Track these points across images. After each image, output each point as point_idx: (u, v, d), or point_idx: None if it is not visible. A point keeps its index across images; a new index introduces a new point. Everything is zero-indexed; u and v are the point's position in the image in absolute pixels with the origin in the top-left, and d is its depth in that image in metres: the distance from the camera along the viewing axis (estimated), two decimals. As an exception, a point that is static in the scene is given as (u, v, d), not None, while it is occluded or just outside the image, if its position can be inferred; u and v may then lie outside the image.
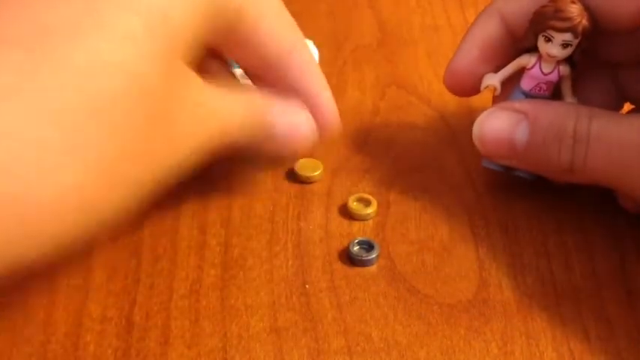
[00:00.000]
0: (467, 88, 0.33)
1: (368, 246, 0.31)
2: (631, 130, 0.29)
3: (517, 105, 0.31)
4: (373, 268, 0.31)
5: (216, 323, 0.28)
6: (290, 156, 0.33)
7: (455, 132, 0.37)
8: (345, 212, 0.33)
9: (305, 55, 0.32)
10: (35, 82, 0.22)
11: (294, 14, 0.44)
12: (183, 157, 0.27)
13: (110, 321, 0.28)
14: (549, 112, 0.30)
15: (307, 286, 0.30)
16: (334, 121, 0.33)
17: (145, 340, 0.27)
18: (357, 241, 0.31)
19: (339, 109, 0.39)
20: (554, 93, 0.32)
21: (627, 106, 0.35)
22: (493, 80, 0.32)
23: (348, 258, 0.31)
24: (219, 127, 0.28)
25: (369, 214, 0.32)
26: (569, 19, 0.30)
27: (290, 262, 0.31)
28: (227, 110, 0.29)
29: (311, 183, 0.34)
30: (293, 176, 0.35)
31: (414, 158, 0.36)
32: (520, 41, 0.32)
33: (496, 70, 0.32)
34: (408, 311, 0.29)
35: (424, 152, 0.36)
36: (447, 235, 0.32)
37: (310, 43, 0.40)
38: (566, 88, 0.32)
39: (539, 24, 0.30)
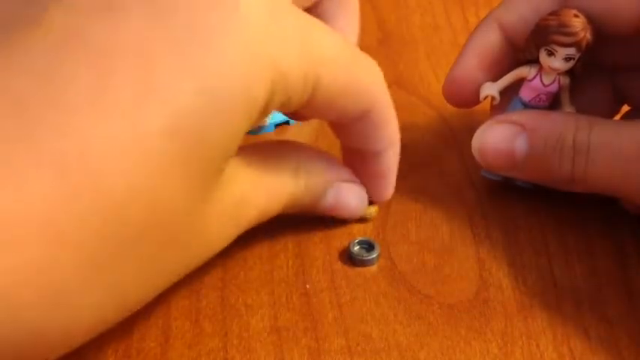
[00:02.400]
0: (466, 97, 0.33)
1: (368, 246, 0.31)
2: (631, 140, 0.29)
3: (515, 117, 0.31)
4: (373, 268, 0.31)
5: (216, 323, 0.28)
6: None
7: (455, 132, 0.37)
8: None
9: (391, 159, 0.31)
10: (59, 208, 0.20)
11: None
12: (214, 249, 0.26)
13: (110, 321, 0.28)
14: (548, 124, 0.30)
15: (307, 286, 0.30)
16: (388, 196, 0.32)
17: (145, 340, 0.27)
18: (357, 241, 0.31)
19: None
20: (553, 101, 0.32)
21: (625, 107, 0.35)
22: (492, 90, 0.32)
23: (349, 258, 0.31)
24: (257, 215, 0.28)
25: (370, 213, 0.32)
26: (573, 34, 0.29)
27: (290, 262, 0.31)
28: (267, 191, 0.28)
29: None
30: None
31: (414, 158, 0.36)
32: (521, 52, 0.32)
33: (495, 78, 0.32)
34: (408, 311, 0.29)
35: (424, 152, 0.36)
36: (447, 235, 0.32)
37: None
38: (565, 98, 0.32)
39: (542, 38, 0.30)
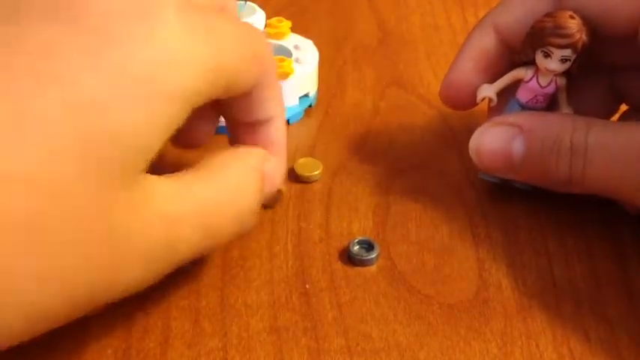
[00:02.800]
0: (463, 100, 0.33)
1: (368, 245, 0.31)
2: (629, 141, 0.29)
3: (512, 119, 0.31)
4: (373, 267, 0.31)
5: (216, 323, 0.28)
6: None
7: (455, 132, 0.37)
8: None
9: (279, 127, 0.31)
10: None
11: (295, 14, 0.44)
12: (137, 274, 0.24)
13: (110, 321, 0.28)
14: (545, 125, 0.30)
15: (307, 286, 0.30)
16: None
17: (144, 340, 0.27)
18: (357, 240, 0.31)
19: (339, 109, 0.39)
20: (550, 102, 0.32)
21: (623, 107, 0.35)
22: (489, 92, 0.32)
23: (348, 258, 0.31)
24: (204, 227, 0.26)
25: (277, 198, 0.32)
26: (569, 35, 0.30)
27: (290, 262, 0.31)
28: (213, 204, 0.26)
29: (311, 183, 0.34)
30: (293, 176, 0.35)
31: (414, 158, 0.36)
32: (517, 54, 0.32)
33: (492, 80, 0.32)
34: (408, 311, 0.29)
35: (424, 152, 0.36)
36: (447, 235, 0.32)
37: (310, 43, 0.40)
38: (562, 98, 0.32)
39: (538, 40, 0.30)
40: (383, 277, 0.30)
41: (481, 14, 0.36)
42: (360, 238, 0.31)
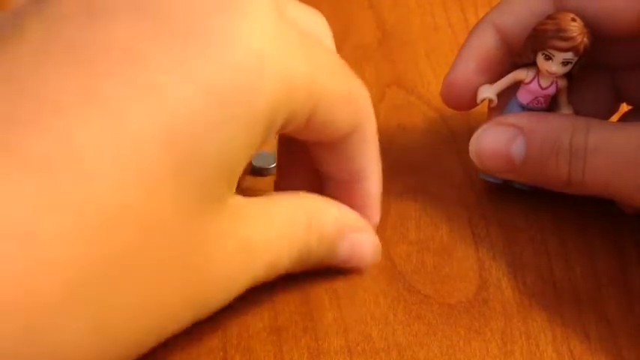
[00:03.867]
0: (464, 100, 0.33)
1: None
2: (629, 142, 0.29)
3: (512, 119, 0.31)
4: (373, 268, 0.30)
5: (216, 323, 0.28)
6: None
7: (455, 132, 0.37)
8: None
9: (374, 184, 0.30)
10: (41, 225, 0.18)
11: (294, 14, 0.43)
12: (216, 299, 0.24)
13: (110, 321, 0.28)
14: (545, 126, 0.30)
15: (307, 286, 0.30)
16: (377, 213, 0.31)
17: (145, 340, 0.27)
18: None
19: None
20: (551, 103, 0.32)
21: (624, 107, 0.35)
22: (489, 92, 0.32)
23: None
24: (270, 260, 0.25)
25: None
26: (571, 38, 0.29)
27: (290, 262, 0.31)
28: (283, 240, 0.25)
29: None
30: (293, 176, 0.35)
31: (414, 158, 0.36)
32: (518, 56, 0.32)
33: (492, 81, 0.32)
34: (408, 311, 0.29)
35: (424, 152, 0.36)
36: (447, 235, 0.32)
37: None
38: (563, 99, 0.32)
39: (540, 42, 0.30)
40: (383, 277, 0.30)
41: (481, 14, 0.36)
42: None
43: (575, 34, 0.29)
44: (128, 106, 0.19)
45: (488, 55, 0.32)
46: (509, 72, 0.32)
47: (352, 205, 0.29)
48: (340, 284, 0.30)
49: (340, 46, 0.44)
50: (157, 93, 0.20)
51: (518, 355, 0.27)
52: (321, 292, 0.29)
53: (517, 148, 0.31)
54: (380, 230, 0.32)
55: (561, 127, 0.30)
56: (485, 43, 0.32)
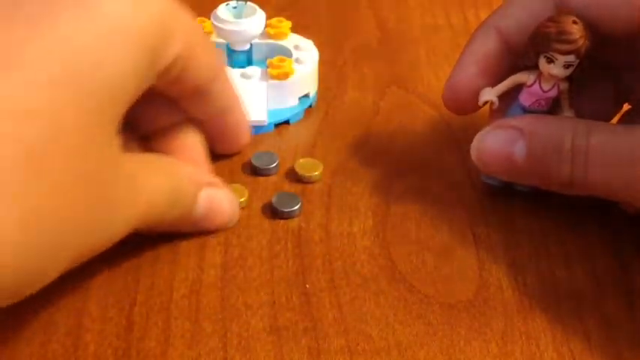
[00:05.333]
0: (466, 103, 0.33)
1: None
2: (629, 144, 0.29)
3: (514, 122, 0.31)
4: (374, 268, 0.30)
5: (216, 323, 0.28)
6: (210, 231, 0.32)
7: (455, 132, 0.37)
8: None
9: (227, 80, 0.33)
10: None
11: (295, 14, 0.44)
12: (113, 226, 0.26)
13: (110, 321, 0.28)
14: (547, 128, 0.30)
15: (307, 285, 0.30)
16: (247, 135, 0.35)
17: (144, 340, 0.27)
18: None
19: (339, 109, 0.39)
20: (552, 105, 0.32)
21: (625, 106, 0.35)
22: (491, 95, 0.32)
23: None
24: (148, 201, 0.27)
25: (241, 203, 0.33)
26: (573, 41, 0.29)
27: (290, 262, 0.31)
28: (154, 184, 0.28)
29: (311, 183, 0.34)
30: (293, 176, 0.35)
31: (414, 158, 0.36)
32: (520, 58, 0.32)
33: (494, 84, 0.32)
34: (408, 311, 0.29)
35: (424, 152, 0.36)
36: (447, 235, 0.32)
37: (310, 43, 0.40)
38: (564, 101, 0.32)
39: (542, 45, 0.30)
40: (383, 276, 0.30)
41: (481, 14, 0.36)
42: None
43: (576, 37, 0.29)
44: (30, 35, 0.23)
45: (489, 58, 0.32)
46: (510, 75, 0.32)
47: (226, 134, 0.34)
48: (340, 284, 0.30)
49: (340, 46, 0.44)
50: (55, 26, 0.23)
51: (519, 355, 0.27)
52: (321, 292, 0.30)
53: (519, 150, 0.31)
54: (380, 230, 0.32)
55: (563, 129, 0.30)
56: (487, 46, 0.32)
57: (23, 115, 0.22)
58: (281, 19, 0.40)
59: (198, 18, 0.40)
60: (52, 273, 0.24)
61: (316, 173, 0.34)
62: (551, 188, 0.31)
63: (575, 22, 0.29)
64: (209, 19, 0.39)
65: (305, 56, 0.39)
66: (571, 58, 0.30)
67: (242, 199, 0.33)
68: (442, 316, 0.29)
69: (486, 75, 0.32)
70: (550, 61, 0.30)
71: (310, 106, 0.39)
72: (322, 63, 0.40)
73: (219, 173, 0.34)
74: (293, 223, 0.32)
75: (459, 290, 0.30)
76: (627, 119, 0.34)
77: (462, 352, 0.27)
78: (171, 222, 0.30)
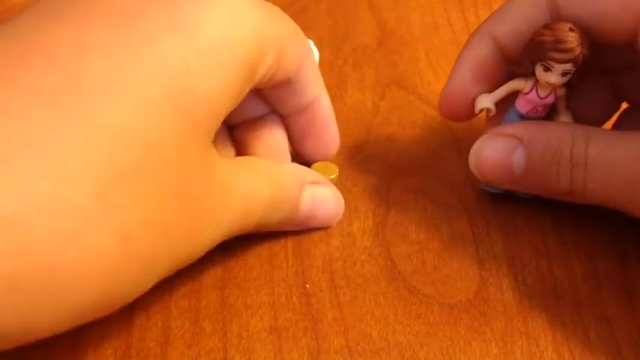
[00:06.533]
0: (462, 111, 0.33)
1: None
2: (629, 151, 0.28)
3: (512, 130, 0.31)
4: (374, 269, 0.31)
5: (216, 323, 0.28)
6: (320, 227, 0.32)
7: (455, 132, 0.37)
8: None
9: (327, 101, 0.33)
10: (59, 140, 0.21)
11: (295, 14, 0.44)
12: (205, 236, 0.26)
13: (110, 321, 0.28)
14: (545, 136, 0.30)
15: (307, 285, 0.30)
16: (336, 136, 0.34)
17: (145, 340, 0.27)
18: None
19: (339, 109, 0.39)
20: (550, 111, 0.32)
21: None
22: (487, 102, 0.32)
23: None
24: (244, 207, 0.27)
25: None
26: (570, 50, 0.29)
27: (290, 262, 0.31)
28: (252, 189, 0.28)
29: None
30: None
31: (414, 158, 0.36)
32: (516, 66, 0.31)
33: (490, 91, 0.32)
34: (408, 311, 0.29)
35: (424, 152, 0.36)
36: (447, 235, 0.32)
37: (310, 43, 0.40)
38: (562, 107, 0.32)
39: (538, 54, 0.30)
40: (383, 277, 0.30)
41: (481, 14, 0.36)
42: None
43: (573, 45, 0.29)
44: (130, 50, 0.23)
45: (484, 65, 0.32)
46: (506, 81, 0.32)
47: (315, 128, 0.33)
48: (340, 284, 0.30)
49: (340, 46, 0.44)
50: (153, 42, 0.23)
51: (519, 355, 0.27)
52: (321, 292, 0.30)
53: (517, 159, 0.30)
54: (380, 230, 0.32)
55: (561, 137, 0.30)
56: (482, 53, 0.32)
57: (119, 134, 0.22)
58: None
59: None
60: (146, 284, 0.24)
61: (332, 177, 0.34)
62: (552, 196, 0.31)
63: (571, 30, 0.29)
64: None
65: (305, 56, 0.39)
66: (568, 66, 0.30)
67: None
68: (442, 316, 0.29)
69: (482, 82, 0.32)
70: (547, 69, 0.30)
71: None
72: (322, 63, 0.40)
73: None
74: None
75: (459, 290, 0.30)
76: (625, 117, 0.34)
77: (462, 352, 0.27)
78: (274, 226, 0.30)
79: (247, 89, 0.27)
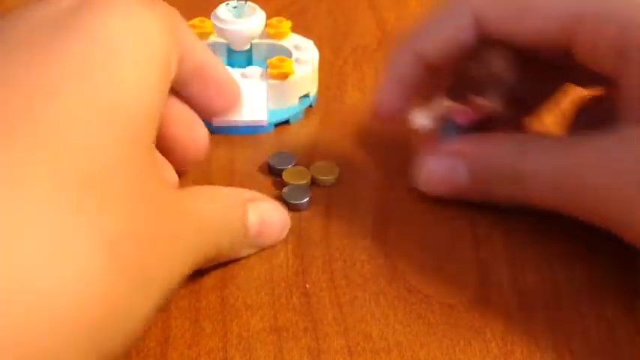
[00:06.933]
0: (394, 123, 0.34)
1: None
2: (563, 157, 0.29)
3: (453, 147, 0.32)
4: (374, 269, 0.31)
5: (216, 323, 0.28)
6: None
7: (455, 132, 0.37)
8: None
9: (214, 60, 0.32)
10: (25, 165, 0.21)
11: (295, 14, 0.44)
12: (178, 275, 0.26)
13: (110, 321, 0.28)
14: (485, 152, 0.31)
15: (307, 285, 0.30)
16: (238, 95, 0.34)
17: (144, 340, 0.27)
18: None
19: (339, 109, 0.39)
20: (489, 116, 0.32)
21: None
22: (424, 120, 0.33)
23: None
24: (205, 230, 0.27)
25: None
26: (497, 81, 0.30)
27: (290, 262, 0.31)
28: (202, 213, 0.27)
29: (327, 186, 0.34)
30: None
31: (415, 158, 0.36)
32: (449, 92, 0.32)
33: (417, 103, 0.33)
34: (408, 311, 0.29)
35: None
36: (447, 235, 0.32)
37: (310, 43, 0.40)
38: (501, 110, 0.32)
39: (469, 88, 0.31)
40: (383, 276, 0.30)
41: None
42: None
43: (502, 75, 0.30)
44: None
45: (411, 81, 0.32)
46: (435, 91, 0.32)
47: (218, 87, 0.32)
48: (340, 284, 0.30)
49: (340, 46, 0.44)
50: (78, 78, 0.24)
51: (519, 355, 0.27)
52: (321, 292, 0.30)
53: (461, 176, 0.32)
54: (380, 230, 0.32)
55: (499, 150, 0.31)
56: (407, 71, 0.32)
57: (79, 149, 0.22)
58: (281, 19, 0.40)
59: (199, 18, 0.40)
60: (143, 306, 0.24)
61: (330, 177, 0.34)
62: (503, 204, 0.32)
63: (503, 58, 0.30)
64: (209, 19, 0.39)
65: (305, 56, 0.39)
66: (499, 91, 0.30)
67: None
68: (442, 316, 0.29)
69: (409, 96, 0.33)
70: (478, 94, 0.31)
71: (310, 106, 0.39)
72: (322, 63, 0.40)
73: (233, 173, 0.34)
74: (293, 222, 0.32)
75: (459, 290, 0.30)
76: (578, 119, 0.35)
77: (462, 352, 0.27)
78: (227, 250, 0.29)
79: (168, 86, 0.28)
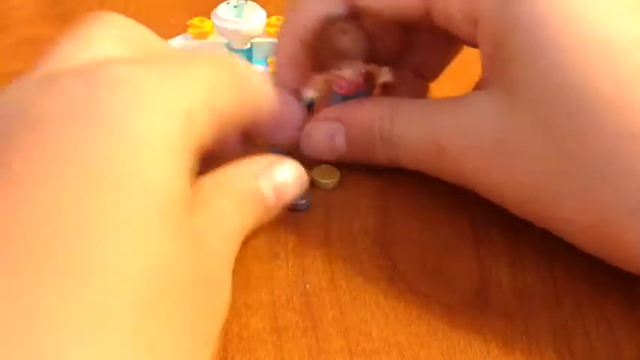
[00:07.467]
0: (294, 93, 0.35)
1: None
2: (427, 125, 0.31)
3: (332, 113, 0.34)
4: (374, 269, 0.31)
5: (216, 323, 0.28)
6: None
7: (455, 131, 0.37)
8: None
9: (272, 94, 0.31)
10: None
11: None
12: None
13: (110, 321, 0.28)
14: (358, 117, 0.33)
15: (307, 286, 0.30)
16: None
17: (145, 340, 0.27)
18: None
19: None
20: (369, 80, 0.33)
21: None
22: (311, 93, 0.34)
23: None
24: (237, 239, 0.28)
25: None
26: (346, 55, 0.31)
27: (290, 262, 0.31)
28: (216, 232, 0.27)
29: (327, 190, 0.34)
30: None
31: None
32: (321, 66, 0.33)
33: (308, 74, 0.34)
34: (408, 311, 0.29)
35: (424, 152, 0.36)
36: (447, 235, 0.32)
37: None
38: (377, 71, 0.33)
39: (324, 63, 0.32)
40: (383, 276, 0.30)
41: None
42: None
43: (349, 51, 0.31)
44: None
45: (297, 60, 0.34)
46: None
47: (280, 125, 0.33)
48: (340, 284, 0.30)
49: (340, 45, 0.44)
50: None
51: (519, 355, 0.27)
52: (321, 292, 0.30)
53: (339, 141, 0.33)
54: (380, 230, 0.32)
55: (371, 116, 0.32)
56: (291, 51, 0.34)
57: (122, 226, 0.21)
58: (281, 17, 0.40)
59: (198, 17, 0.40)
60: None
61: (333, 180, 0.34)
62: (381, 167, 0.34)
63: (343, 32, 0.31)
64: (209, 18, 0.39)
65: (305, 56, 0.39)
66: (358, 64, 0.31)
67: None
68: (442, 316, 0.29)
69: (300, 75, 0.34)
70: (337, 67, 0.32)
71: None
72: (322, 62, 0.40)
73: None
74: (293, 223, 0.32)
75: (459, 290, 0.30)
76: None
77: (462, 352, 0.27)
78: (254, 227, 0.29)
79: (193, 160, 0.25)
